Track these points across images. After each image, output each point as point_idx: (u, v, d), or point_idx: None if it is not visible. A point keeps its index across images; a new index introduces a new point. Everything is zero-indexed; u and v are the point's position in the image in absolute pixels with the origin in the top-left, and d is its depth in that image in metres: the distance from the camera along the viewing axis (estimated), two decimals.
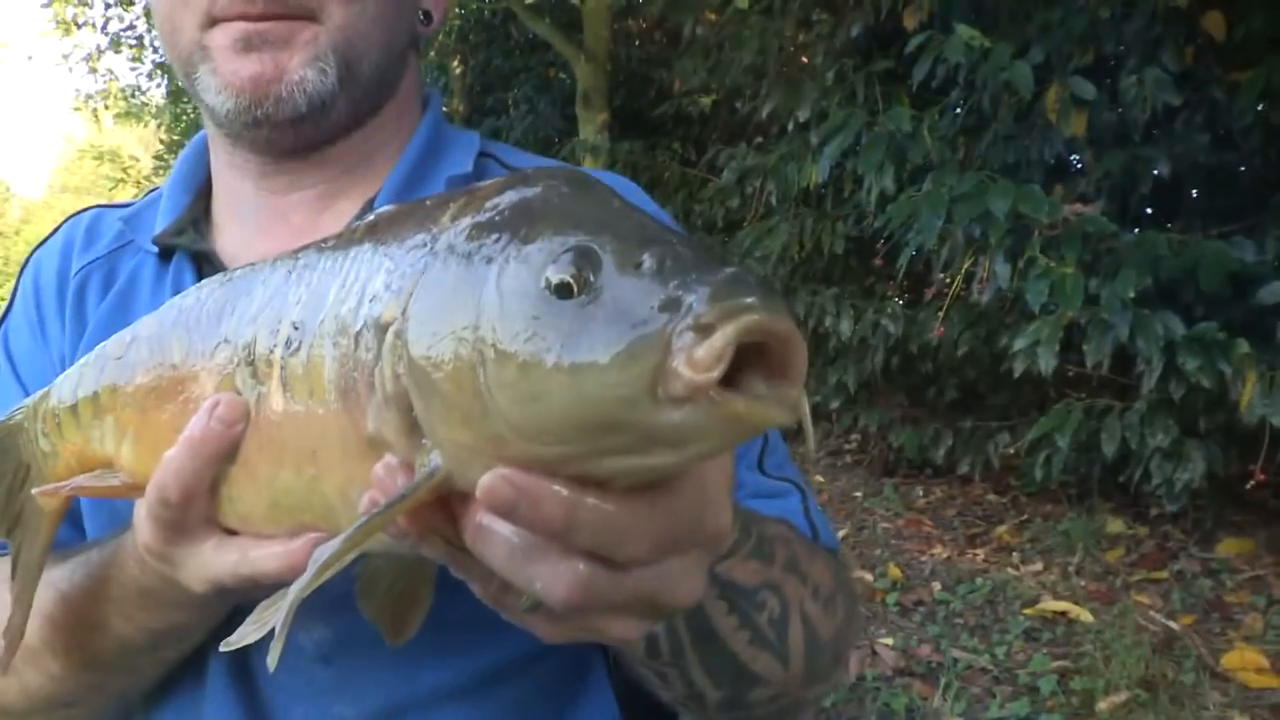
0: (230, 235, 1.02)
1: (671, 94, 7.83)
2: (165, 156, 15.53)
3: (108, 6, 10.69)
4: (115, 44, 11.31)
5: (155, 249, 1.01)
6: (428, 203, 0.58)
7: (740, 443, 0.48)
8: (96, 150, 19.31)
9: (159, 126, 14.80)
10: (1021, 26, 4.68)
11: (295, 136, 0.94)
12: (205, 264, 0.99)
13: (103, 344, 0.80)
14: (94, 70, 12.08)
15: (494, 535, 0.49)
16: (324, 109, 0.92)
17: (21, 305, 1.08)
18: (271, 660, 0.50)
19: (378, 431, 0.54)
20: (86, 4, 10.51)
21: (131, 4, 10.55)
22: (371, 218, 0.63)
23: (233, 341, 0.66)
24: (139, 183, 17.65)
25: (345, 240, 0.62)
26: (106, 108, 13.56)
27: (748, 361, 0.42)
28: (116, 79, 12.57)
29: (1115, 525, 4.47)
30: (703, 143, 8.20)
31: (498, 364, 0.45)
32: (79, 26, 10.72)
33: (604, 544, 0.47)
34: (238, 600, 0.74)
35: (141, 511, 0.70)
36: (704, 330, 0.41)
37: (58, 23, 10.50)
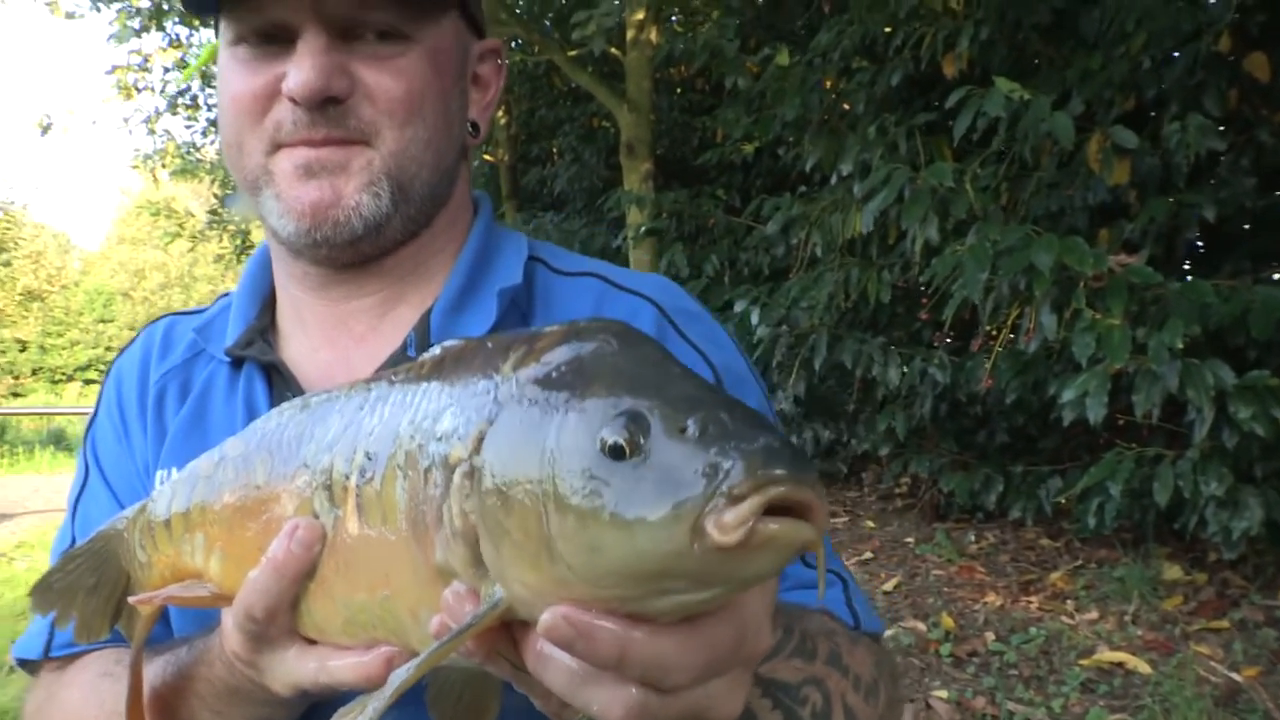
0: (295, 343, 1.08)
1: (715, 141, 7.87)
2: (219, 210, 15.98)
3: (165, 71, 11.11)
4: (173, 107, 11.72)
5: (227, 359, 1.07)
6: (489, 345, 0.63)
7: (771, 576, 0.53)
8: (154, 206, 19.94)
9: (213, 181, 15.25)
10: (1061, 73, 4.71)
11: (353, 253, 0.99)
12: (274, 373, 1.05)
13: (194, 462, 0.86)
14: (152, 131, 12.54)
15: (554, 662, 0.54)
16: (379, 229, 0.97)
17: (106, 412, 1.14)
18: None
19: (445, 561, 0.59)
20: (146, 70, 10.90)
21: (187, 67, 10.93)
22: (438, 353, 0.68)
23: (311, 467, 0.71)
24: (193, 237, 18.15)
25: (414, 375, 0.67)
26: (164, 165, 13.97)
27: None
28: (174, 139, 12.97)
29: (1172, 571, 4.41)
30: (748, 189, 8.24)
31: (560, 516, 0.51)
32: (139, 91, 11.11)
33: (653, 673, 0.53)
34: (317, 699, 0.80)
35: (229, 622, 0.76)
36: (736, 499, 0.47)
37: (120, 88, 10.88)
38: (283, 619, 0.73)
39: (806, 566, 0.99)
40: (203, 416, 1.06)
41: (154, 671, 0.92)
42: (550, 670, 0.54)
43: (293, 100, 0.93)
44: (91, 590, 0.92)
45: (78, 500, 1.12)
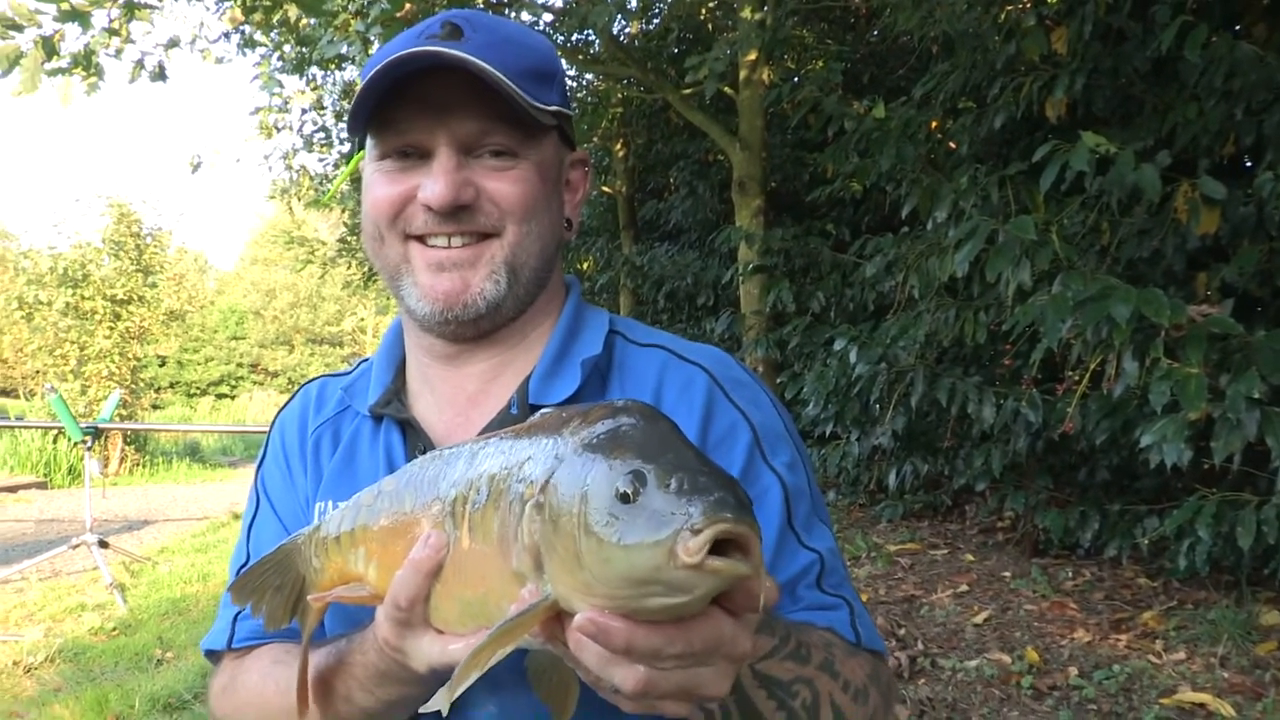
0: (423, 402, 1.33)
1: (826, 177, 8.02)
2: (348, 239, 16.89)
3: (303, 112, 11.90)
4: (308, 144, 12.53)
5: (369, 415, 1.33)
6: (564, 414, 0.89)
7: (721, 590, 0.76)
8: (288, 235, 21.23)
9: (343, 211, 16.18)
10: (1162, 117, 4.79)
11: (474, 329, 1.25)
12: (408, 428, 1.30)
13: (358, 494, 1.12)
14: (289, 168, 13.40)
15: (586, 646, 0.79)
16: (497, 308, 1.23)
17: (272, 455, 1.42)
18: (443, 700, 0.83)
19: (519, 568, 0.84)
20: (286, 110, 11.70)
21: (323, 109, 11.69)
22: (536, 418, 0.93)
23: (442, 499, 0.97)
24: (324, 263, 19.20)
25: (513, 434, 0.93)
26: (298, 199, 14.79)
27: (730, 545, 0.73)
28: (309, 174, 13.77)
29: (1270, 616, 4.40)
30: (857, 224, 8.38)
31: (586, 538, 0.76)
32: (278, 130, 11.90)
33: (650, 656, 0.77)
34: (445, 677, 1.01)
35: (381, 615, 1.02)
36: (696, 532, 0.71)
37: (261, 128, 11.68)
38: (419, 608, 0.97)
39: (820, 591, 1.21)
40: (351, 461, 1.30)
41: (318, 658, 1.13)
42: (585, 652, 0.79)
43: (428, 208, 1.17)
44: (277, 589, 1.18)
45: (251, 525, 1.39)
